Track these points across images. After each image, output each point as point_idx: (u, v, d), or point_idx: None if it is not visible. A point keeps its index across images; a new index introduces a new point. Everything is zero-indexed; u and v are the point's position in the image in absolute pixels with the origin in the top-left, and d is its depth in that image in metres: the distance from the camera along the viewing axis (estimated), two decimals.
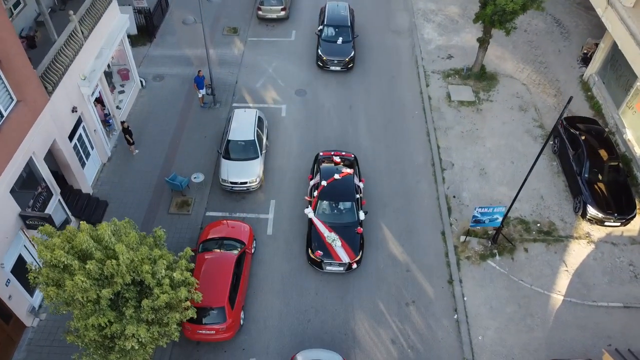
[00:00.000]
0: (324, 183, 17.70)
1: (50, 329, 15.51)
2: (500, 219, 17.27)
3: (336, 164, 18.51)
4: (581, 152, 19.57)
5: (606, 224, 18.38)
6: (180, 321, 12.63)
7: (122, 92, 22.75)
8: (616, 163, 19.23)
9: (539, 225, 18.71)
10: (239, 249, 16.36)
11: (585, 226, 18.73)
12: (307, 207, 17.63)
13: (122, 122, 20.21)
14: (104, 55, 19.20)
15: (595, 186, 18.79)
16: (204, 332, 14.69)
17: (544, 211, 19.14)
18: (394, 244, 18.17)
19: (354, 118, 22.79)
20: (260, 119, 20.80)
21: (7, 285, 14.39)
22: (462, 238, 18.21)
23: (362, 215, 17.36)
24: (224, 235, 16.89)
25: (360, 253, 16.77)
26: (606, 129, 21.96)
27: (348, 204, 17.37)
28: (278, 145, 21.42)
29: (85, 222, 13.87)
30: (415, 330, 15.96)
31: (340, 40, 24.94)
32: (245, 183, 19.08)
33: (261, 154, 19.73)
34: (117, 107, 21.95)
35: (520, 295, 16.80)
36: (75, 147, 18.23)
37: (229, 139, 19.72)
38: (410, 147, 21.59)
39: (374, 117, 22.85)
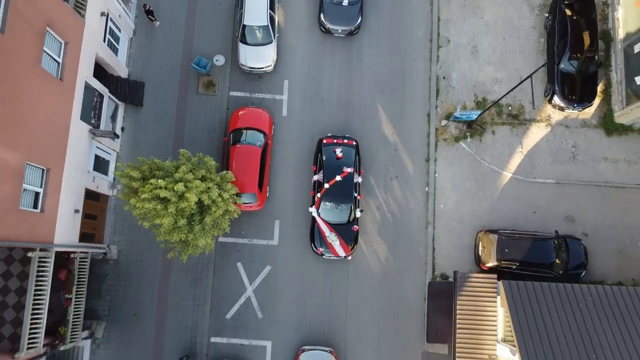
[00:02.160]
0: (326, 186, 20.66)
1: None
2: (475, 117, 21.55)
3: (338, 158, 20.91)
4: (565, 42, 22.08)
5: (566, 111, 22.56)
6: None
7: None
8: (593, 55, 22.08)
9: (510, 108, 22.88)
10: (263, 141, 21.26)
11: (548, 109, 22.91)
12: (311, 206, 20.84)
13: (144, 5, 22.10)
14: None
15: (567, 77, 22.16)
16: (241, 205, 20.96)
17: (519, 93, 22.91)
18: (387, 125, 22.78)
19: None
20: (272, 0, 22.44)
21: (93, 181, 20.06)
22: (444, 122, 22.70)
23: (358, 214, 20.85)
24: (249, 126, 21.46)
25: (355, 246, 20.95)
26: (602, 1, 23.53)
27: (347, 205, 20.85)
28: (286, 22, 23.50)
29: (130, 103, 19.16)
30: (395, 200, 22.23)
31: (346, 1, 22.57)
32: (262, 68, 22.41)
33: (274, 38, 22.34)
34: None
35: (479, 173, 22.42)
36: (108, 43, 21.01)
37: (245, 23, 22.01)
38: (412, 18, 23.65)
39: None
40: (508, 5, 23.73)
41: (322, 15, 22.66)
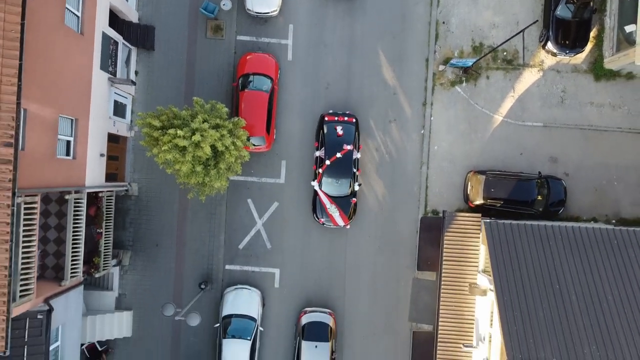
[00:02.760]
0: (327, 162, 22.36)
1: (140, 137, 23.63)
2: (471, 64, 22.98)
3: (339, 136, 22.30)
4: None
5: (558, 56, 23.91)
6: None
7: None
8: (590, 2, 23.06)
9: (505, 53, 24.19)
10: (270, 86, 22.86)
11: (542, 55, 24.23)
12: (313, 180, 22.55)
13: None
14: None
15: (562, 23, 23.29)
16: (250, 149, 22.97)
17: (514, 39, 24.11)
18: (387, 69, 24.22)
19: None
20: None
21: (114, 126, 21.92)
22: (441, 67, 24.13)
23: (356, 187, 22.76)
24: (256, 71, 22.95)
25: (353, 217, 23.13)
26: None
27: (346, 180, 22.64)
28: None
29: (142, 47, 21.33)
30: (393, 142, 24.20)
31: None
32: (268, 12, 23.48)
33: None
34: None
35: (472, 116, 24.19)
36: None
37: None
38: None
39: None
40: None
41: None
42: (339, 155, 22.50)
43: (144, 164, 23.73)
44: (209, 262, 23.73)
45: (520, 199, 22.91)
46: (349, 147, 22.53)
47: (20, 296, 15.13)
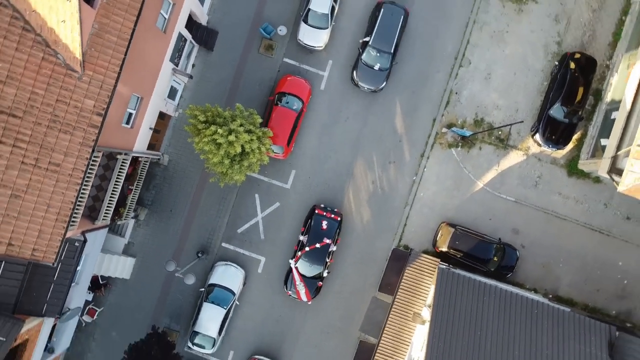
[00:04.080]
0: (307, 249, 26.84)
1: (181, 118, 28.54)
2: (468, 135, 27.95)
3: (322, 229, 27.00)
4: (561, 92, 27.86)
5: (543, 147, 28.83)
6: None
7: None
8: (579, 109, 27.96)
9: (500, 133, 29.13)
10: (300, 107, 27.81)
11: (530, 142, 29.17)
12: (292, 259, 26.98)
13: None
14: None
15: (553, 121, 28.17)
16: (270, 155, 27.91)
17: (513, 121, 29.05)
18: (399, 118, 29.16)
19: None
20: None
21: (165, 106, 26.92)
22: (444, 130, 29.07)
23: (325, 274, 27.38)
24: (291, 92, 27.92)
25: (316, 295, 27.79)
26: (606, 63, 28.95)
27: (319, 267, 27.34)
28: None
29: (203, 46, 26.09)
30: (387, 179, 29.16)
31: (377, 67, 27.66)
32: (314, 46, 28.44)
33: (330, 25, 28.15)
34: None
35: (458, 176, 29.13)
36: None
37: (310, 7, 27.75)
38: (445, 33, 29.14)
39: None
40: (528, 46, 29.18)
41: (355, 72, 28.08)
42: (317, 245, 27.02)
43: (178, 141, 28.72)
44: (209, 237, 28.71)
45: (478, 256, 27.82)
46: (327, 241, 27.06)
47: (71, 226, 20.08)
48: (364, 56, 27.82)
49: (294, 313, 28.88)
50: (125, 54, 18.79)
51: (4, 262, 19.00)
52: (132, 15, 18.55)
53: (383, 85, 28.30)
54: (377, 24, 27.58)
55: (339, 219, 27.82)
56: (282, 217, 28.92)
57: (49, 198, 18.64)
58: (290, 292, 28.06)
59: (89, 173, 20.19)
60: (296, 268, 27.30)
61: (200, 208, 28.82)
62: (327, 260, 27.65)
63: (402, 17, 27.80)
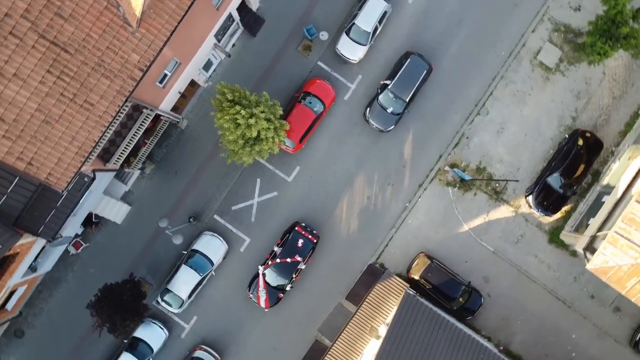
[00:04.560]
0: (278, 260, 28.26)
1: (210, 90, 30.19)
2: (467, 179, 29.72)
3: (297, 247, 28.61)
4: (562, 164, 29.59)
5: (532, 210, 30.57)
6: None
7: None
8: (575, 185, 29.71)
9: (497, 185, 30.88)
10: (321, 110, 29.55)
11: (522, 201, 30.92)
12: (261, 265, 27.59)
13: None
14: None
15: (548, 188, 29.90)
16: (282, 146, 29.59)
17: (511, 178, 30.79)
18: (409, 146, 30.90)
19: (448, 21, 30.86)
20: (384, 14, 29.70)
21: (198, 75, 28.64)
22: (447, 168, 30.81)
23: (288, 288, 29.04)
24: (317, 95, 29.67)
25: (275, 305, 29.28)
26: (612, 148, 30.70)
27: (284, 279, 29.04)
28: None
29: (248, 30, 28.30)
30: (382, 199, 30.91)
31: (390, 110, 29.43)
32: (350, 59, 30.20)
33: (369, 43, 29.88)
34: None
35: (448, 214, 30.87)
36: None
37: (355, 22, 29.51)
38: (473, 80, 30.86)
39: (471, 21, 30.60)
40: (544, 113, 30.92)
41: (368, 109, 29.84)
42: (288, 260, 28.46)
43: (200, 110, 30.48)
44: (204, 206, 30.47)
45: (445, 293, 29.54)
46: (298, 259, 28.54)
47: (87, 161, 21.79)
48: (380, 97, 29.55)
49: None
50: (179, 23, 20.52)
51: (18, 178, 20.68)
52: None
53: (392, 128, 30.02)
54: (400, 71, 29.26)
55: (315, 240, 29.37)
56: (276, 206, 30.64)
57: (76, 132, 20.38)
58: (251, 295, 29.58)
59: (116, 119, 21.91)
60: (263, 275, 28.54)
61: (204, 178, 30.55)
62: (294, 275, 29.25)
63: (426, 71, 29.54)
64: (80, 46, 19.67)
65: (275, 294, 29.54)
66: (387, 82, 29.59)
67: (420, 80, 29.50)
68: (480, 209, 30.89)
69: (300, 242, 29.10)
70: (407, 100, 29.52)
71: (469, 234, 30.85)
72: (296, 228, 29.40)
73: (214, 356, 29.54)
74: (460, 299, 29.64)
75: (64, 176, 20.60)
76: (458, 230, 30.86)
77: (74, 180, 20.86)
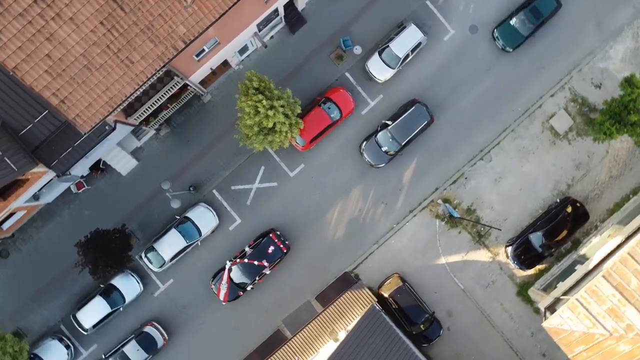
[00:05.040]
0: (246, 260, 30.12)
1: (239, 73, 31.75)
2: (456, 216, 31.41)
3: (267, 252, 30.42)
4: (547, 224, 31.28)
5: (509, 261, 32.24)
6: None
7: None
8: (554, 248, 31.41)
9: (482, 229, 32.55)
10: (337, 118, 31.22)
11: (501, 250, 32.61)
12: (229, 261, 29.68)
13: None
14: None
15: (527, 244, 31.58)
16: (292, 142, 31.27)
17: (496, 225, 32.47)
18: (410, 172, 32.56)
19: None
20: (419, 44, 31.38)
21: (232, 57, 30.27)
22: (439, 201, 32.51)
23: (248, 288, 30.69)
24: (337, 103, 31.35)
25: (233, 301, 30.94)
26: (597, 223, 32.42)
27: (247, 279, 30.74)
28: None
29: (289, 27, 30.15)
30: (373, 214, 32.58)
31: (385, 149, 31.15)
32: (376, 77, 31.88)
33: (397, 68, 31.55)
34: None
35: (429, 244, 32.55)
36: None
37: (390, 45, 31.19)
38: (485, 126, 32.54)
39: (499, 72, 32.37)
40: (543, 174, 32.63)
41: (364, 143, 31.65)
42: (255, 262, 30.29)
43: (225, 89, 32.17)
44: (207, 179, 32.15)
45: (409, 316, 31.17)
46: (265, 264, 30.37)
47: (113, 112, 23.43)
48: (379, 135, 31.30)
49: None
50: (230, 8, 22.17)
51: (47, 111, 22.29)
52: None
53: (382, 165, 31.73)
54: (403, 116, 31.01)
55: (285, 250, 31.04)
56: (273, 196, 32.31)
57: (111, 83, 22.04)
58: (213, 286, 31.13)
59: (149, 80, 23.52)
60: (229, 270, 30.24)
61: (213, 152, 32.19)
62: (257, 278, 30.97)
63: (426, 122, 31.27)
64: (136, 7, 21.28)
65: (235, 291, 31.10)
66: (389, 122, 31.31)
67: (419, 129, 31.26)
68: (461, 247, 32.57)
69: (271, 249, 30.78)
70: (403, 144, 31.27)
71: (444, 268, 32.53)
72: (270, 235, 31.02)
73: (162, 335, 31.19)
74: (421, 326, 31.29)
75: (90, 120, 22.23)
76: (435, 262, 32.54)
77: (97, 126, 22.48)
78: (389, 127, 31.20)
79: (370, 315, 27.78)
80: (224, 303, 31.39)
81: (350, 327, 28.80)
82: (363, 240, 32.54)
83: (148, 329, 31.23)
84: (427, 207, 32.61)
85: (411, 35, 31.28)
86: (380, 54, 31.53)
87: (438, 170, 32.64)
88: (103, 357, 30.95)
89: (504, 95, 32.58)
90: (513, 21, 31.51)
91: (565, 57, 32.45)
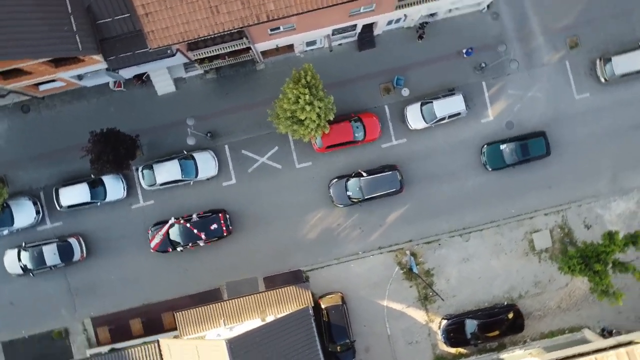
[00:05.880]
0: (187, 225, 33.22)
1: (295, 64, 34.58)
2: (414, 271, 34.32)
3: (209, 228, 33.39)
4: (484, 319, 34.15)
5: (438, 331, 35.08)
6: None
7: None
8: (482, 340, 34.27)
9: (430, 294, 35.33)
10: (360, 139, 34.17)
11: (436, 319, 35.47)
12: (175, 218, 33.06)
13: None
14: None
15: (461, 326, 34.41)
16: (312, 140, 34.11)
17: (443, 296, 35.25)
18: (395, 215, 35.38)
19: None
20: (458, 113, 34.26)
21: (299, 45, 33.14)
22: (407, 252, 35.38)
23: (179, 249, 33.74)
24: (366, 125, 34.28)
25: (159, 252, 34.03)
26: (526, 338, 35.31)
27: (180, 241, 33.65)
28: None
29: (361, 43, 33.40)
30: (347, 234, 35.45)
31: (349, 194, 34.12)
32: (409, 124, 34.75)
33: (430, 124, 34.38)
34: None
35: (380, 283, 35.44)
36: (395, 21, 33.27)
37: (433, 102, 34.09)
38: (477, 209, 35.38)
39: (511, 172, 35.37)
40: (505, 274, 35.62)
41: (335, 180, 34.52)
42: (195, 231, 33.50)
43: (279, 68, 35.10)
44: (225, 132, 35.22)
45: (332, 333, 34.15)
46: (202, 237, 33.49)
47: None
48: (350, 181, 34.24)
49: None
50: (320, 8, 25.04)
51: (129, 15, 25.12)
52: None
53: (341, 206, 34.73)
54: (377, 175, 34.03)
55: (226, 234, 34.05)
56: (272, 175, 35.26)
57: (192, 20, 24.76)
58: (150, 230, 34.06)
59: (223, 32, 26.31)
60: (170, 225, 33.44)
61: (242, 113, 35.15)
62: (190, 244, 33.89)
63: (394, 190, 34.09)
64: None
65: (166, 245, 33.95)
66: (364, 173, 34.25)
67: (385, 192, 34.18)
68: (405, 299, 35.48)
69: (214, 226, 33.78)
70: (366, 197, 34.09)
71: (382, 309, 35.40)
72: (220, 214, 33.98)
73: (82, 251, 34.10)
74: (339, 347, 34.21)
75: (160, 40, 25.05)
76: (378, 300, 35.42)
77: (162, 47, 25.32)
78: (361, 179, 34.21)
79: (301, 314, 30.63)
80: (152, 251, 34.34)
81: (279, 316, 31.68)
82: (328, 251, 35.41)
83: (72, 240, 34.11)
84: (395, 251, 35.48)
85: (455, 103, 34.21)
86: (421, 105, 34.43)
87: (420, 226, 35.51)
88: (23, 244, 33.86)
89: (505, 194, 35.44)
90: (503, 147, 34.52)
91: (572, 188, 35.41)
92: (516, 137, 34.75)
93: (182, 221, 33.59)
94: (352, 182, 34.33)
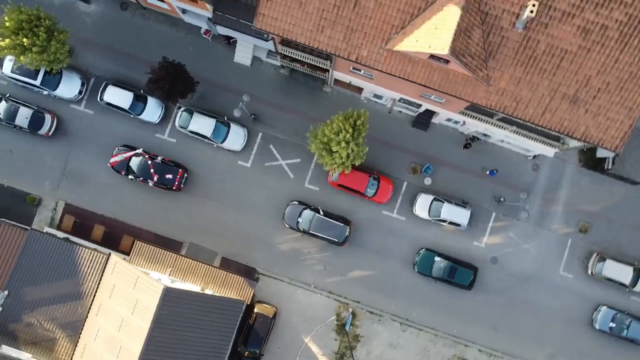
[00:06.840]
0: (150, 162, 36.33)
1: (354, 104, 38.02)
2: (346, 328, 36.90)
3: (166, 174, 36.60)
4: None
5: None
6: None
7: None
8: None
9: (347, 354, 37.80)
10: (371, 194, 37.26)
11: None
12: (144, 151, 36.47)
13: None
14: None
15: None
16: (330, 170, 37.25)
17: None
18: (357, 274, 38.20)
19: None
20: (459, 224, 37.30)
21: (366, 93, 36.64)
22: (350, 309, 38.00)
23: (130, 177, 36.63)
24: (381, 187, 37.46)
25: (113, 171, 37.18)
26: None
27: (135, 172, 36.66)
28: None
29: (414, 121, 36.39)
30: (311, 264, 38.30)
31: (299, 220, 36.99)
32: (417, 211, 37.80)
33: (431, 219, 37.42)
34: None
35: (313, 321, 38.05)
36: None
37: (445, 203, 37.23)
38: (424, 309, 38.12)
39: (477, 294, 38.29)
40: None
41: (295, 202, 37.51)
42: (151, 170, 36.50)
43: (341, 99, 38.92)
44: (267, 122, 38.73)
45: (249, 338, 36.73)
46: (154, 178, 36.47)
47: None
48: (306, 211, 37.22)
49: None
50: (400, 77, 28.50)
51: None
52: None
53: (287, 227, 37.67)
54: (330, 220, 37.01)
55: (175, 188, 36.84)
56: (281, 178, 38.61)
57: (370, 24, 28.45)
58: (117, 148, 37.07)
59: (317, 50, 29.77)
60: (136, 153, 36.65)
61: (289, 116, 38.71)
62: (140, 179, 36.82)
63: (336, 240, 37.02)
64: (361, 7, 27.74)
65: (122, 167, 37.01)
66: (320, 211, 37.19)
67: (328, 237, 37.18)
68: (326, 348, 38.21)
69: (169, 177, 36.96)
70: (310, 232, 37.06)
71: (301, 344, 38.15)
72: (180, 170, 37.09)
73: (50, 129, 36.88)
74: (247, 352, 36.90)
75: (265, 24, 28.71)
76: (303, 335, 38.22)
77: (263, 31, 28.83)
78: (316, 215, 37.37)
79: (235, 304, 33.39)
80: (108, 164, 37.47)
81: (216, 293, 34.38)
82: (287, 269, 38.24)
83: (47, 115, 37.00)
84: (341, 303, 38.17)
85: (461, 215, 37.37)
86: (434, 199, 37.62)
87: (374, 296, 38.32)
88: (7, 95, 37.10)
89: (459, 314, 38.31)
90: (437, 258, 37.66)
91: (517, 344, 38.14)
92: (453, 258, 37.89)
93: (147, 156, 36.80)
94: (308, 213, 37.40)
